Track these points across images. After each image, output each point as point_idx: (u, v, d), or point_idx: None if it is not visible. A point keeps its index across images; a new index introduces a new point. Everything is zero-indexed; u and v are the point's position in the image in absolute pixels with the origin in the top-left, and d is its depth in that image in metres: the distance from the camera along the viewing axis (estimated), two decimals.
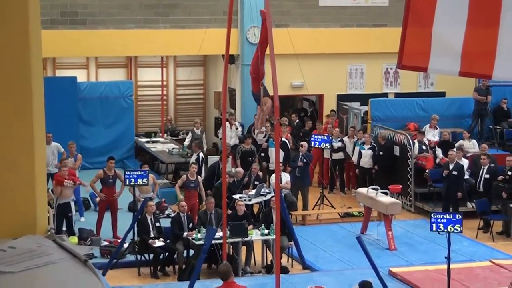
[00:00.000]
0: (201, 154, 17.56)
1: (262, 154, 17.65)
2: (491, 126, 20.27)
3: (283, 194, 14.94)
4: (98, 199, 15.80)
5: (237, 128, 19.59)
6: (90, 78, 22.51)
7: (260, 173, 16.77)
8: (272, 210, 14.06)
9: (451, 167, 16.73)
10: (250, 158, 17.22)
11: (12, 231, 5.02)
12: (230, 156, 17.75)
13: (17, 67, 5.09)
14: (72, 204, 15.06)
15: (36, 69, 5.19)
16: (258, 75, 11.54)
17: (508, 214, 16.05)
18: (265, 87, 11.65)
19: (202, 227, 13.81)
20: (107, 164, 15.54)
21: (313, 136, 18.29)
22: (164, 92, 23.12)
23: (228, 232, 13.28)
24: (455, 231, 12.23)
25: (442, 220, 12.24)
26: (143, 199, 15.09)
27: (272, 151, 17.52)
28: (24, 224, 5.08)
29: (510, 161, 16.44)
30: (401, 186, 17.27)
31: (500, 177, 16.30)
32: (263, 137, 18.57)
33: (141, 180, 14.90)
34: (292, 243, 14.22)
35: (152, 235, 14.03)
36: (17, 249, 4.72)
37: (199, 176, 15.96)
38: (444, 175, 16.77)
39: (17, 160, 5.11)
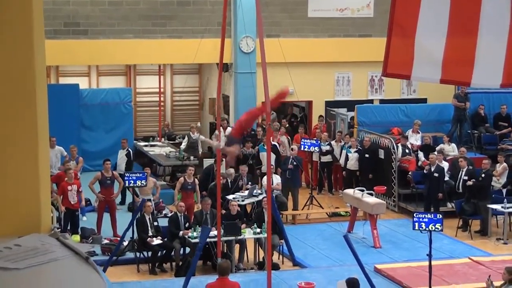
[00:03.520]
0: (130, 150, 17.97)
1: (254, 160, 17.64)
2: (469, 131, 20.32)
3: (274, 195, 14.93)
4: (97, 200, 15.79)
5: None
6: (92, 85, 22.47)
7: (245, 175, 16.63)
8: (264, 210, 14.05)
9: (432, 169, 16.75)
10: (251, 162, 17.23)
11: (18, 230, 5.00)
12: (223, 159, 17.72)
13: (22, 75, 5.07)
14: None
15: (40, 77, 5.18)
16: (244, 128, 11.68)
17: (484, 214, 16.09)
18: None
19: (197, 226, 13.80)
20: (104, 166, 15.55)
21: (302, 140, 18.31)
22: (162, 99, 23.09)
23: (222, 231, 13.27)
24: (436, 229, 12.25)
25: (424, 220, 12.26)
26: (140, 200, 15.05)
27: (263, 155, 17.51)
28: (29, 223, 5.06)
29: (486, 164, 16.49)
30: (385, 187, 17.29)
31: (470, 182, 16.25)
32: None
33: (140, 181, 14.88)
34: (282, 241, 14.21)
35: (150, 234, 14.00)
36: (22, 247, 4.70)
37: (195, 178, 15.97)
38: (425, 171, 16.82)
39: (22, 163, 5.10)
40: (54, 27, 19.56)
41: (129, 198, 15.61)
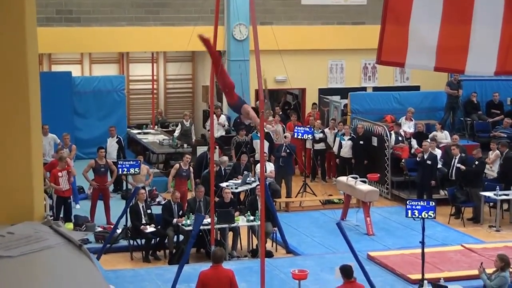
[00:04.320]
0: (120, 137, 17.87)
1: (247, 148, 17.64)
2: (462, 118, 20.35)
3: (267, 183, 14.93)
4: (90, 188, 15.74)
5: (224, 126, 19.56)
6: (84, 73, 22.39)
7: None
8: (257, 197, 14.06)
9: (425, 157, 16.77)
10: (245, 149, 17.26)
11: (10, 218, 4.98)
12: (217, 147, 17.73)
13: (15, 63, 5.04)
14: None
15: (32, 65, 5.15)
16: (229, 88, 11.47)
17: (477, 201, 16.12)
18: (239, 96, 11.56)
19: (191, 213, 13.79)
20: (98, 153, 15.52)
21: (296, 127, 18.31)
22: (155, 86, 23.04)
23: (215, 219, 13.27)
24: (429, 217, 12.28)
25: (417, 207, 12.29)
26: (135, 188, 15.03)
27: (257, 143, 17.51)
28: (21, 211, 5.04)
29: (477, 152, 16.54)
30: (378, 174, 17.32)
31: (462, 167, 16.31)
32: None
33: (133, 169, 14.87)
34: (276, 228, 14.22)
35: (143, 221, 13.99)
36: (15, 235, 4.69)
37: (190, 166, 15.95)
38: (418, 159, 16.85)
39: (15, 150, 5.07)
40: (47, 15, 19.47)
41: (122, 185, 15.60)
